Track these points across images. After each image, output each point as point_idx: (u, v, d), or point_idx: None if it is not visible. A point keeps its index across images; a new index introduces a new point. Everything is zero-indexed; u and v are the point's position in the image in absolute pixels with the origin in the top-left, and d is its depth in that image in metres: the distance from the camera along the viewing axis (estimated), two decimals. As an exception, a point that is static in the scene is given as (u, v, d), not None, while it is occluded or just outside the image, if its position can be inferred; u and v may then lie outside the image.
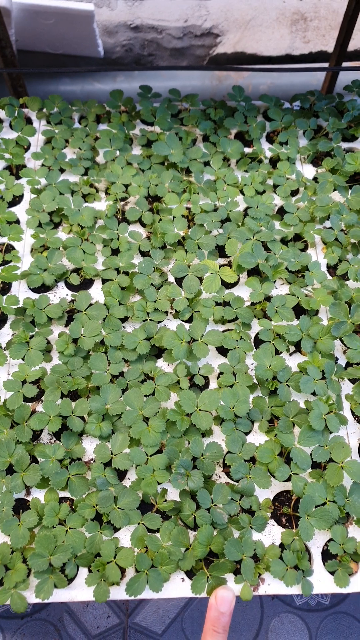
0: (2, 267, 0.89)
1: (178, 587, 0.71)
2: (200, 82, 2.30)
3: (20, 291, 0.91)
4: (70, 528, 0.71)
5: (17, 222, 0.95)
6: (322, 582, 0.71)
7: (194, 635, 1.59)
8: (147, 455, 0.75)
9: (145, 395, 0.79)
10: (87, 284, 0.92)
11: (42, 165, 1.00)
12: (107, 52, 2.39)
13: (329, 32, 2.34)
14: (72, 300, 0.89)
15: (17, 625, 1.60)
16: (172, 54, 2.61)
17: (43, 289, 0.91)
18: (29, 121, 1.09)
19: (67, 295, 0.91)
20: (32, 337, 0.84)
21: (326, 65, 1.71)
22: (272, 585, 0.71)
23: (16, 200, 0.98)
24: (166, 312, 0.87)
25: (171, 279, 0.92)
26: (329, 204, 0.95)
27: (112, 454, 0.75)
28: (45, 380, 0.80)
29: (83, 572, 0.72)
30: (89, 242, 0.92)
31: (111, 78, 2.34)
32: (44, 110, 1.08)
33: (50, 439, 0.80)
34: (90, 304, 0.86)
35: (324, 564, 0.72)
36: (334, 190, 0.97)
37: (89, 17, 2.08)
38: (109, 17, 2.28)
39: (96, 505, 0.73)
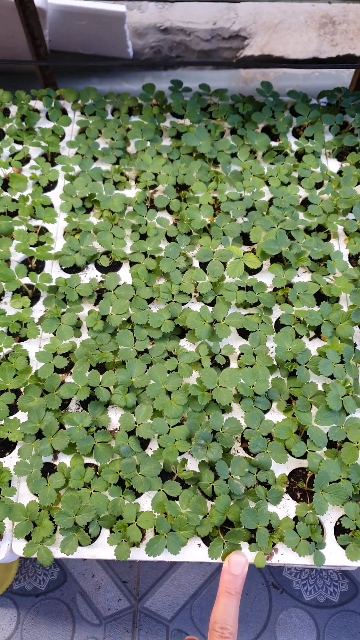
0: (37, 247, 0.94)
1: (194, 552, 0.74)
2: (226, 83, 2.34)
3: (53, 271, 0.96)
4: (94, 491, 0.75)
5: (51, 206, 1.00)
6: (334, 555, 0.74)
7: (202, 623, 1.61)
8: (169, 427, 0.78)
9: (168, 371, 0.83)
10: (115, 266, 0.96)
11: (76, 153, 1.06)
12: (136, 54, 2.45)
13: (357, 36, 2.36)
14: (102, 281, 0.93)
15: (32, 603, 1.64)
16: (199, 56, 2.66)
17: (74, 269, 0.96)
18: (64, 112, 1.14)
19: (96, 276, 0.95)
20: (63, 313, 0.88)
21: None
22: (285, 555, 0.74)
23: (50, 185, 1.04)
24: (190, 295, 0.91)
25: (195, 264, 0.96)
26: (353, 196, 0.97)
27: (136, 423, 0.79)
28: (75, 353, 0.84)
29: (104, 533, 0.76)
30: (118, 226, 0.97)
31: (139, 78, 2.40)
32: (79, 102, 1.13)
33: (78, 409, 0.84)
34: (118, 285, 0.91)
35: (336, 538, 0.75)
36: (358, 183, 1.00)
37: (120, 18, 2.14)
38: (140, 19, 2.34)
39: (119, 471, 0.77)
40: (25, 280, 0.92)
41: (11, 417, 0.81)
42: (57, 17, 1.94)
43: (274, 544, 0.74)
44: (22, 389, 0.83)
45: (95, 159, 1.06)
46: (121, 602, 1.66)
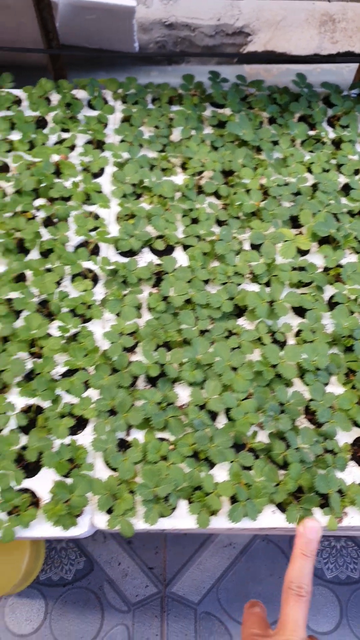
0: (94, 231, 0.96)
1: (269, 518, 0.78)
2: (231, 78, 2.37)
3: (108, 255, 0.98)
4: (172, 464, 0.78)
5: (100, 192, 1.02)
6: None
7: (229, 604, 1.65)
8: (238, 400, 0.82)
9: (231, 349, 0.86)
10: (169, 250, 0.99)
11: (122, 141, 1.08)
12: (141, 49, 2.46)
13: (355, 34, 2.43)
14: (158, 264, 0.96)
15: (59, 593, 1.66)
16: (203, 51, 2.69)
17: (129, 253, 0.98)
18: (104, 101, 1.16)
19: (152, 260, 0.98)
20: (124, 295, 0.91)
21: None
22: (354, 518, 0.78)
23: (98, 172, 1.05)
24: (243, 276, 0.94)
25: (246, 247, 0.99)
26: (391, 181, 1.02)
27: (205, 398, 0.82)
28: (141, 332, 0.87)
29: (182, 504, 0.78)
30: (169, 211, 0.99)
31: (145, 73, 2.41)
32: (119, 91, 1.15)
33: (145, 386, 0.87)
34: (175, 268, 0.93)
35: None
36: (394, 169, 1.05)
37: (130, 12, 2.16)
38: (145, 15, 2.36)
39: (193, 444, 0.79)
40: (84, 265, 0.94)
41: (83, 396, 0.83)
42: (67, 11, 1.94)
43: (344, 508, 0.78)
44: (86, 368, 0.85)
45: (140, 146, 1.08)
46: (148, 588, 1.68)
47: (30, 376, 0.85)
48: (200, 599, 1.67)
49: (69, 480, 0.77)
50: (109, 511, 0.77)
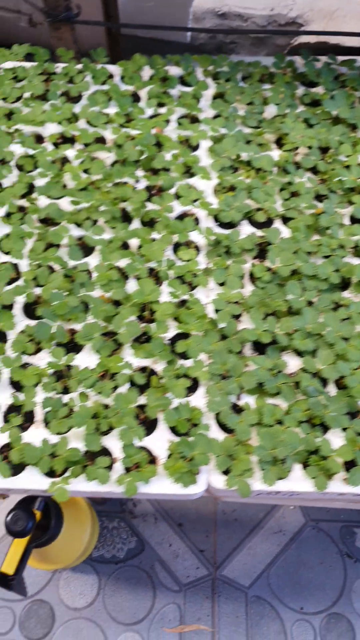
0: (196, 202, 0.97)
1: (383, 484, 0.79)
2: (283, 69, 2.36)
3: (209, 225, 0.99)
4: (287, 427, 0.79)
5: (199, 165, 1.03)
6: None
7: (280, 590, 1.66)
8: (352, 369, 0.82)
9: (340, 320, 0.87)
10: (267, 223, 1.00)
11: (217, 116, 1.09)
12: (192, 38, 2.47)
13: None
14: (261, 236, 0.97)
15: (112, 570, 1.67)
16: (253, 43, 2.69)
17: (227, 225, 0.99)
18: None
19: (251, 232, 0.99)
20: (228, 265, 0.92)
21: None
22: None
23: (194, 146, 1.07)
24: (345, 249, 0.95)
25: (345, 221, 1.00)
26: None
27: (318, 366, 0.83)
28: (248, 301, 0.88)
29: (296, 468, 0.79)
30: (268, 185, 1.00)
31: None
32: (209, 68, 1.16)
33: (252, 353, 0.88)
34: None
35: None
36: None
37: (187, 1, 2.16)
38: (198, 4, 2.36)
39: (307, 409, 0.80)
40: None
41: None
42: None
43: None
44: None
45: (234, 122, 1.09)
46: (199, 570, 1.69)
47: (138, 339, 0.87)
48: (250, 583, 1.68)
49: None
50: (225, 472, 0.78)
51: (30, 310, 0.90)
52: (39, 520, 1.01)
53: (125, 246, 0.95)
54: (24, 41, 2.29)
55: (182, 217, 1.00)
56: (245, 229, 0.99)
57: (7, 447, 0.79)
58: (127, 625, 1.61)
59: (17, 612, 1.60)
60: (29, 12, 2.17)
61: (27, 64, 1.14)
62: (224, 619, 1.64)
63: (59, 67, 1.14)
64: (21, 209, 0.98)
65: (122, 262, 0.91)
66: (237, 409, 0.83)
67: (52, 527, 1.21)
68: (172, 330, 0.87)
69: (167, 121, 1.09)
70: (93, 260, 0.93)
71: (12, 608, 1.60)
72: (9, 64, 1.14)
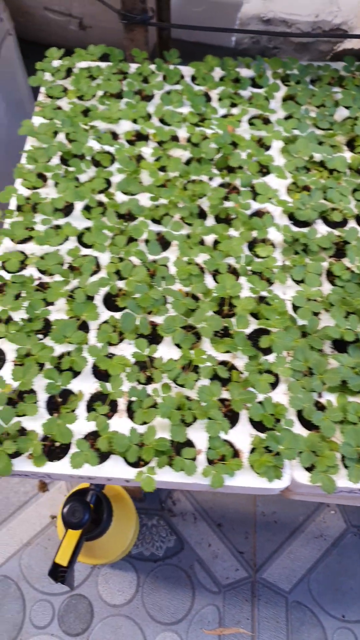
0: (271, 200, 0.98)
1: None
2: (327, 75, 2.37)
3: (283, 223, 1.00)
4: (372, 425, 0.79)
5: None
6: None
7: (321, 597, 1.64)
8: None
9: None
10: (341, 223, 1.00)
11: (288, 117, 1.10)
12: (236, 43, 2.49)
13: None
14: (338, 235, 0.97)
15: (150, 568, 1.68)
16: (296, 48, 2.70)
17: (302, 224, 1.00)
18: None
19: (325, 231, 0.99)
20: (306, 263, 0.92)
21: None
22: None
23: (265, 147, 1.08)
24: None
25: None
26: None
27: None
28: (329, 299, 0.88)
29: (379, 466, 0.79)
30: (342, 186, 1.01)
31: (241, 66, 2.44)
32: (279, 71, 1.18)
33: (332, 351, 0.88)
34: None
35: None
36: None
37: (237, 6, 2.19)
38: (244, 10, 2.39)
39: (391, 408, 0.80)
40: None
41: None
42: (175, 3, 1.99)
43: None
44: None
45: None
46: (239, 572, 1.68)
47: (217, 333, 0.87)
48: (291, 587, 1.67)
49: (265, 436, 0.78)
50: (309, 468, 0.78)
51: (109, 302, 0.92)
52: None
53: (201, 242, 0.96)
54: (73, 44, 2.34)
55: (256, 214, 1.01)
56: (320, 228, 1.00)
57: (93, 435, 0.80)
58: (165, 625, 1.61)
59: (57, 606, 1.61)
60: (79, 15, 2.21)
61: (103, 64, 1.16)
62: (264, 624, 1.63)
63: (133, 67, 1.17)
64: (100, 203, 1.00)
65: (200, 258, 0.92)
66: (318, 406, 0.83)
67: (104, 520, 1.22)
68: (252, 326, 0.88)
69: (239, 121, 1.10)
70: (171, 255, 0.95)
71: (51, 602, 1.62)
72: (84, 64, 1.17)
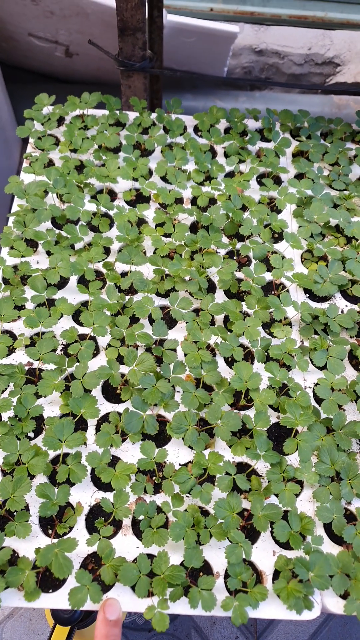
0: (288, 274, 0.90)
1: None
2: (320, 108, 2.36)
3: (299, 298, 0.91)
4: None
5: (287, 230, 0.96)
6: None
7: (324, 663, 1.55)
8: None
9: None
10: (361, 296, 0.93)
11: (300, 175, 1.02)
12: (227, 72, 2.44)
13: None
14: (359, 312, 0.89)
15: (145, 638, 1.56)
16: (289, 79, 2.67)
17: (319, 298, 0.92)
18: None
19: (345, 306, 0.91)
20: (329, 346, 0.84)
21: None
22: None
23: (278, 209, 1.00)
24: None
25: None
26: None
27: None
28: (355, 388, 0.80)
29: None
30: (361, 255, 0.93)
31: (233, 97, 2.39)
32: (289, 124, 1.10)
33: (360, 450, 0.79)
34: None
35: None
36: None
37: (231, 38, 2.13)
38: (236, 40, 2.34)
39: None
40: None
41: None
42: (166, 34, 1.92)
43: None
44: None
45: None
46: (239, 640, 1.58)
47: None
48: (293, 654, 1.57)
49: (290, 554, 0.69)
50: (344, 594, 0.69)
51: (110, 391, 0.82)
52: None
53: (212, 322, 0.87)
54: (58, 70, 2.24)
55: (269, 285, 0.92)
56: (339, 303, 0.92)
57: (93, 557, 0.70)
58: None
59: None
60: (66, 43, 2.12)
61: (98, 112, 1.07)
62: None
63: (131, 116, 1.08)
64: (97, 273, 0.90)
65: (212, 338, 0.83)
66: (347, 514, 0.74)
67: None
68: (271, 418, 0.78)
69: (248, 181, 1.02)
70: (178, 335, 0.85)
71: None
72: (77, 112, 1.07)
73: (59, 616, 0.91)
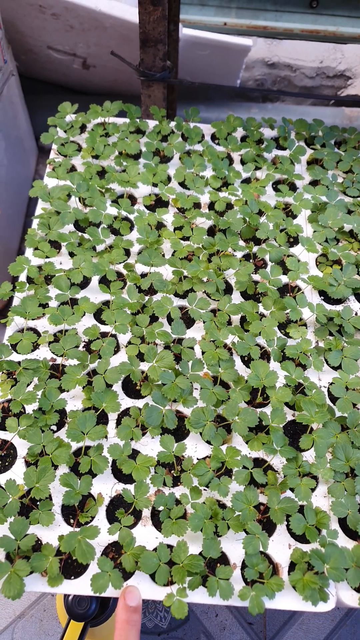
0: (303, 277, 0.92)
1: None
2: (331, 120, 2.40)
3: (314, 300, 0.94)
4: None
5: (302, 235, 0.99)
6: None
7: (335, 671, 1.54)
8: None
9: None
10: (375, 299, 0.95)
11: (315, 182, 1.05)
12: (240, 84, 2.49)
13: None
14: (373, 314, 0.92)
15: (154, 642, 1.56)
16: (300, 91, 2.72)
17: (333, 301, 0.94)
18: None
19: (359, 308, 0.93)
20: (344, 346, 0.86)
21: None
22: None
23: (293, 214, 1.03)
24: None
25: None
26: None
27: None
28: (369, 389, 0.82)
29: None
30: (375, 259, 0.96)
31: (245, 109, 2.44)
32: (304, 133, 1.14)
33: (374, 447, 0.81)
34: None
35: None
36: None
37: (245, 51, 2.18)
38: (249, 53, 2.39)
39: None
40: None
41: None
42: (181, 46, 1.97)
43: None
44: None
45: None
46: (248, 645, 1.58)
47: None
48: (303, 661, 1.56)
49: (305, 547, 0.71)
50: (358, 587, 0.70)
51: (129, 386, 0.84)
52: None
53: (229, 322, 0.90)
54: (75, 82, 2.30)
55: (285, 287, 0.95)
56: (353, 305, 0.94)
57: (114, 546, 0.72)
58: None
59: None
60: (84, 55, 2.19)
61: (119, 120, 1.11)
62: None
63: (151, 124, 1.12)
64: (118, 274, 0.93)
65: (229, 338, 0.86)
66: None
67: (110, 606, 1.12)
68: (287, 415, 0.80)
69: (264, 187, 1.05)
70: (196, 334, 0.88)
71: None
72: (99, 120, 1.11)
73: (73, 611, 0.92)
